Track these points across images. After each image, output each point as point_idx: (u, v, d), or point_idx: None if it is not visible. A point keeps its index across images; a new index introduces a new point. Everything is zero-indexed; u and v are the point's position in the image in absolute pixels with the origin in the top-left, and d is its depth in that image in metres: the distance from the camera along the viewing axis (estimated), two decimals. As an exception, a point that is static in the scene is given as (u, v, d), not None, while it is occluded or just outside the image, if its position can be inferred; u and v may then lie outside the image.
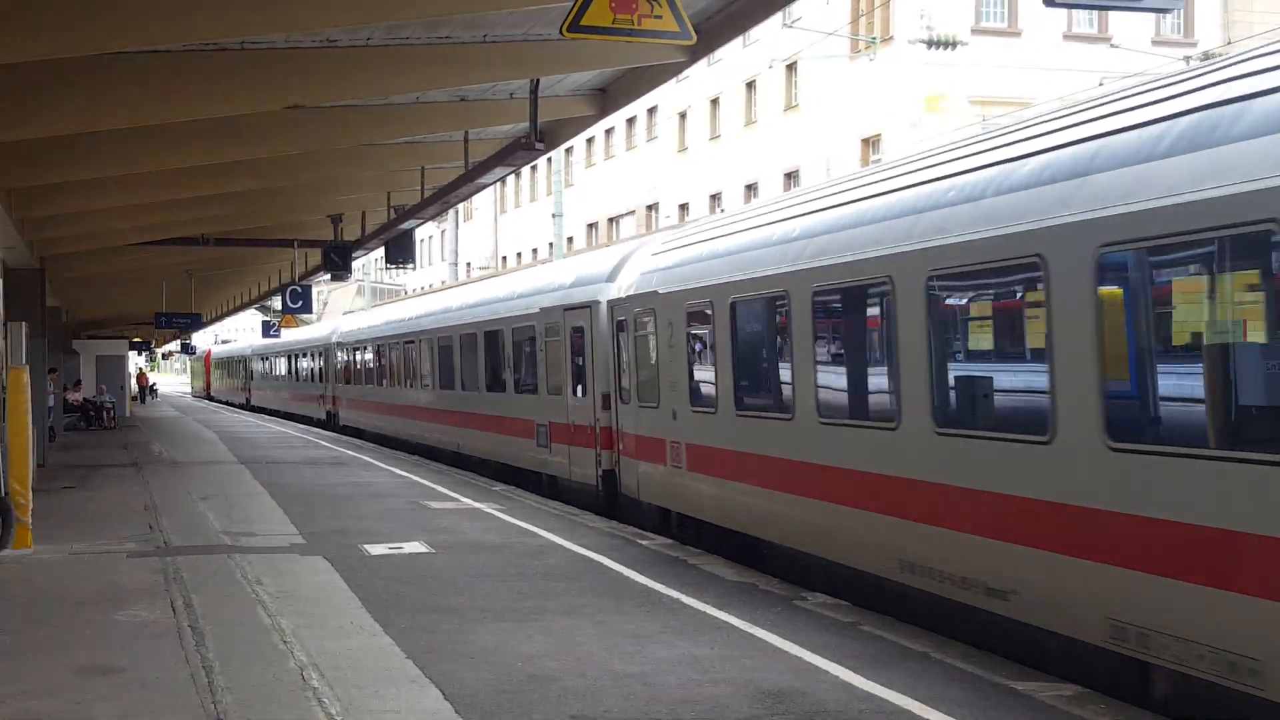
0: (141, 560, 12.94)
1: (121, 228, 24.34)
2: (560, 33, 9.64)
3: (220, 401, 74.41)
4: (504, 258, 69.65)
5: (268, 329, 54.88)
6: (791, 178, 42.70)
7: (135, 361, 76.16)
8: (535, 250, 63.67)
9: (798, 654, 8.77)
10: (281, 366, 53.64)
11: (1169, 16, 36.43)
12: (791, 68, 42.56)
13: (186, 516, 16.56)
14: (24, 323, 17.45)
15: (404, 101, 17.20)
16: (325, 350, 42.15)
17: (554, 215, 46.02)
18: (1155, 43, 35.50)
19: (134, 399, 59.90)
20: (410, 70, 14.66)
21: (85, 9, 10.74)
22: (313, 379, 45.36)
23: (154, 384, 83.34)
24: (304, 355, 47.54)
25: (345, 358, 38.97)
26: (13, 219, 18.60)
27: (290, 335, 51.35)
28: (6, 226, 18.31)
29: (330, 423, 41.07)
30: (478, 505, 17.65)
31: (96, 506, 17.84)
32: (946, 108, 36.20)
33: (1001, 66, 36.04)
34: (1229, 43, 31.17)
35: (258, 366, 61.54)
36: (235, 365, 71.68)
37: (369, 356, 35.16)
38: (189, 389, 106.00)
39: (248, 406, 62.08)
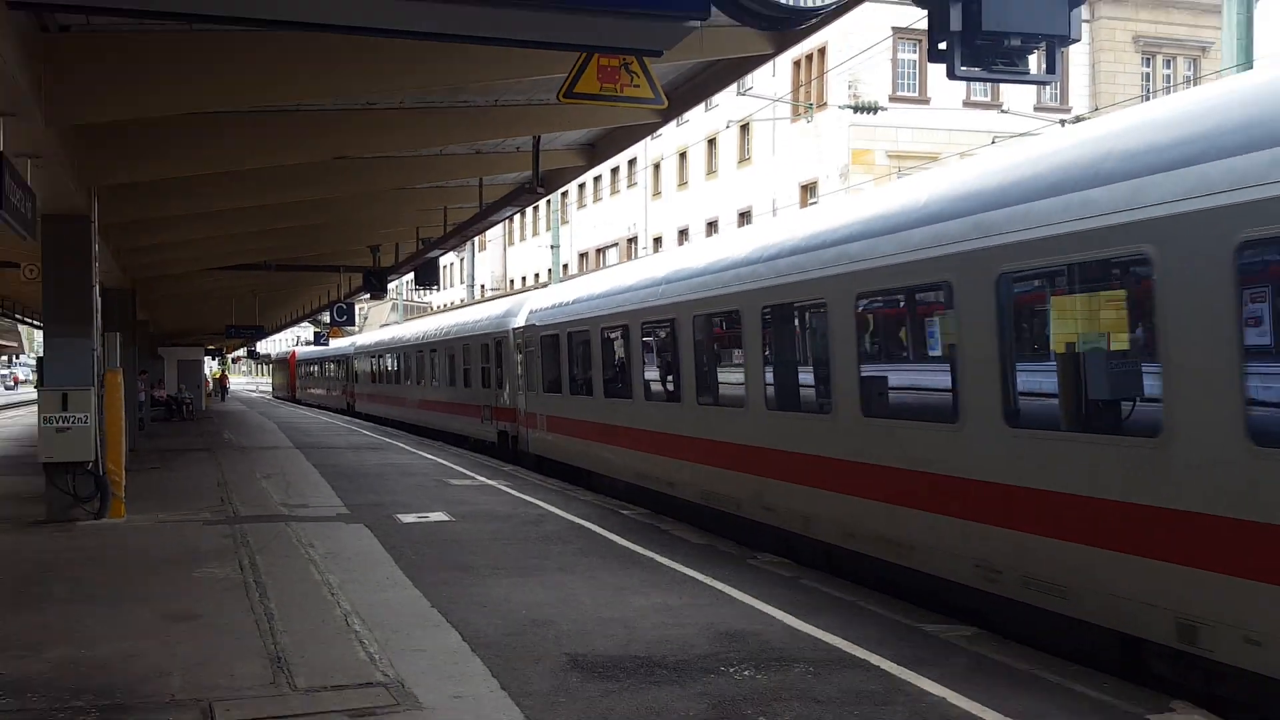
0: (215, 527, 12.86)
1: (199, 255, 24.27)
2: (557, 98, 9.68)
3: (312, 406, 54.80)
4: (511, 280, 69.43)
5: (319, 339, 54.59)
6: (745, 216, 42.76)
7: (212, 365, 75.46)
8: (537, 275, 63.45)
9: (751, 603, 8.77)
10: (406, 365, 34.14)
11: (1048, 88, 36.59)
12: (745, 127, 42.58)
13: (251, 492, 16.44)
14: (118, 334, 17.36)
15: (430, 153, 17.20)
16: (498, 344, 23.03)
17: (552, 246, 45.89)
18: (1037, 109, 35.68)
19: (209, 395, 59.37)
20: (435, 128, 14.69)
21: (176, 80, 10.74)
22: (466, 383, 26.04)
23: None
24: (450, 350, 27.77)
25: (552, 352, 18.84)
26: (110, 248, 18.50)
27: (419, 325, 34.72)
28: (105, 255, 18.21)
29: (507, 448, 22.34)
30: (490, 482, 17.58)
31: (178, 483, 17.70)
32: (869, 161, 36.40)
33: (913, 127, 36.26)
34: (1096, 109, 31.33)
35: (363, 366, 42.91)
36: (330, 366, 52.97)
37: (618, 348, 15.69)
38: (256, 388, 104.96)
39: (349, 412, 45.06)
